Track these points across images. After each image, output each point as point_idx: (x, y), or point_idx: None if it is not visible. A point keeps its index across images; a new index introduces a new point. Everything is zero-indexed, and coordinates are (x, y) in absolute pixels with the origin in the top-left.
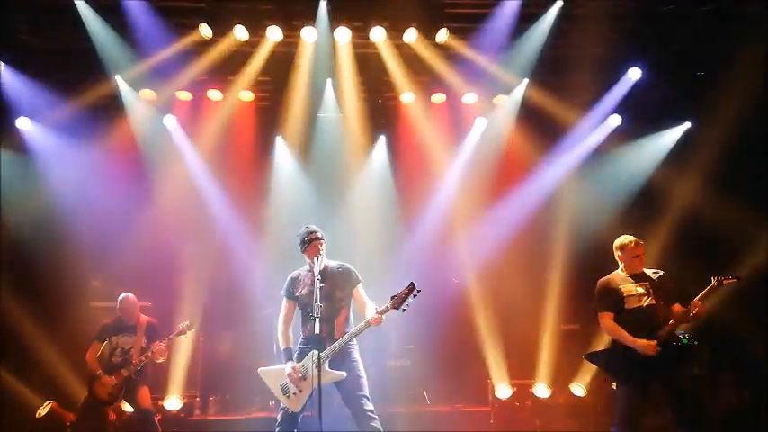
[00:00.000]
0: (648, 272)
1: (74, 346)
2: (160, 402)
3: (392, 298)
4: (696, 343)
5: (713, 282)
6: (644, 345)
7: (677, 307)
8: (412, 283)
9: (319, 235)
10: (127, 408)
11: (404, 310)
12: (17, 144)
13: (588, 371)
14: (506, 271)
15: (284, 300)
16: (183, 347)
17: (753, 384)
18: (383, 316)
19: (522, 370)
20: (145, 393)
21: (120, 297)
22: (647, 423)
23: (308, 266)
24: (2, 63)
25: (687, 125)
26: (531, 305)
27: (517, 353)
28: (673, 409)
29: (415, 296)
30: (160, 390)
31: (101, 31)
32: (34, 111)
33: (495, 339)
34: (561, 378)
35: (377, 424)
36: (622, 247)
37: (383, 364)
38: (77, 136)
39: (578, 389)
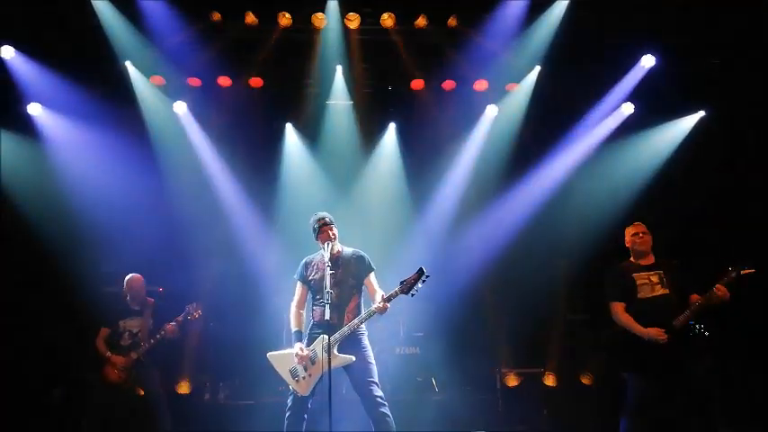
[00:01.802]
0: (662, 261)
1: (84, 331)
2: (171, 386)
3: (401, 283)
4: (707, 334)
5: (731, 272)
6: (653, 333)
7: (695, 297)
8: (421, 269)
9: (328, 220)
10: (137, 391)
11: (412, 294)
12: (28, 129)
13: (597, 360)
14: (516, 259)
15: (297, 283)
16: (194, 332)
17: (764, 376)
18: (389, 303)
19: (530, 358)
20: (155, 376)
21: (127, 278)
22: (656, 414)
23: (321, 252)
24: (12, 48)
25: (701, 113)
26: (540, 294)
27: (526, 341)
28: (683, 400)
29: (423, 281)
30: (171, 373)
31: (111, 16)
32: (44, 96)
33: (503, 327)
34: (569, 367)
35: (386, 410)
36: (626, 234)
37: (392, 351)
38: (87, 122)
39: (586, 378)
